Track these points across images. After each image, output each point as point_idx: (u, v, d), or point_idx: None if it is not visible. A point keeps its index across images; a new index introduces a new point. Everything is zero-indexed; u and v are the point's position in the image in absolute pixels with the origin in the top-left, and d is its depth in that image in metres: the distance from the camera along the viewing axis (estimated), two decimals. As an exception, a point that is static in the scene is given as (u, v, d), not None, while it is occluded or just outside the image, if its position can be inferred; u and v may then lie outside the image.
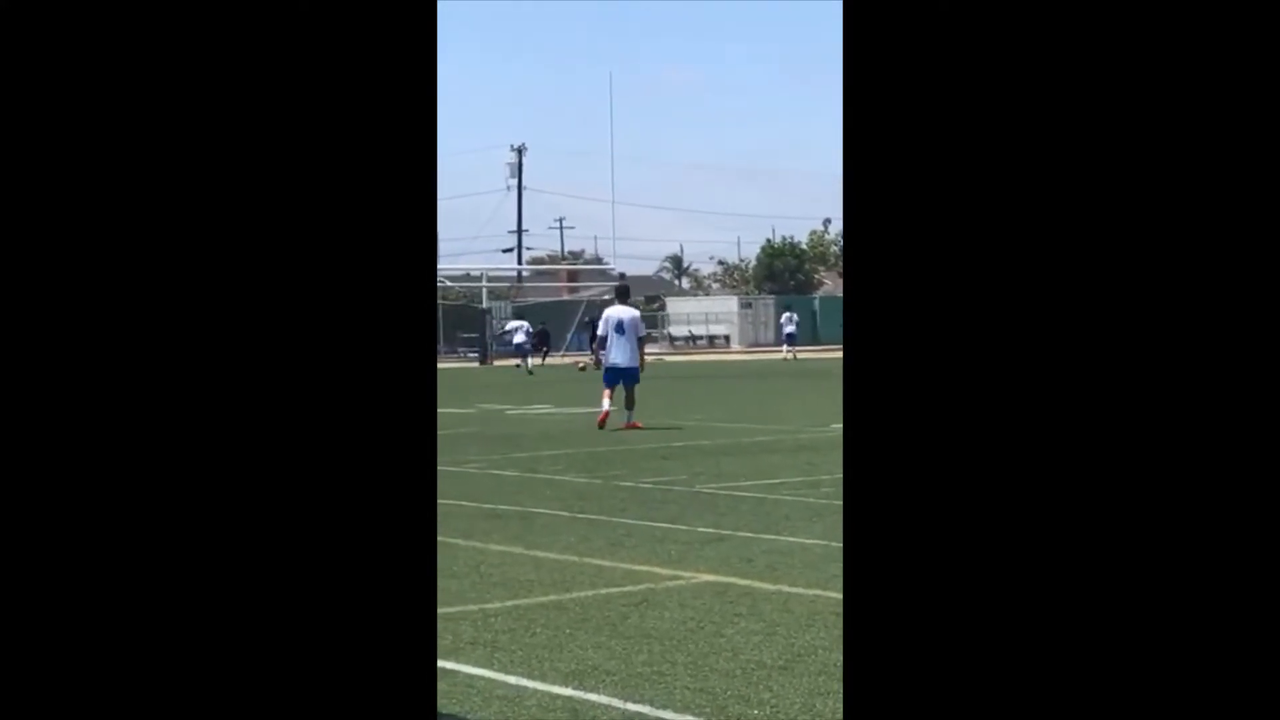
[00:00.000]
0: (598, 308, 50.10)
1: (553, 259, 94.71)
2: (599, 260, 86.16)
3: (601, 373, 19.37)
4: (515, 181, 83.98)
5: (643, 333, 19.02)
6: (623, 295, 19.99)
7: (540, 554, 8.64)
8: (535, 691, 5.45)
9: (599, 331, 19.52)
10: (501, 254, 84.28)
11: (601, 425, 18.17)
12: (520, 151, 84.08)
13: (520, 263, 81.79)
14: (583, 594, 7.36)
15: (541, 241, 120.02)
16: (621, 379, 18.65)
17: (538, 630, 6.50)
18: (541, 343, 45.70)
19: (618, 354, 18.64)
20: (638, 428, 18.10)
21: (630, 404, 18.50)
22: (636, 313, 19.33)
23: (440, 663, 5.89)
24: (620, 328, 18.69)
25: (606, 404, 18.52)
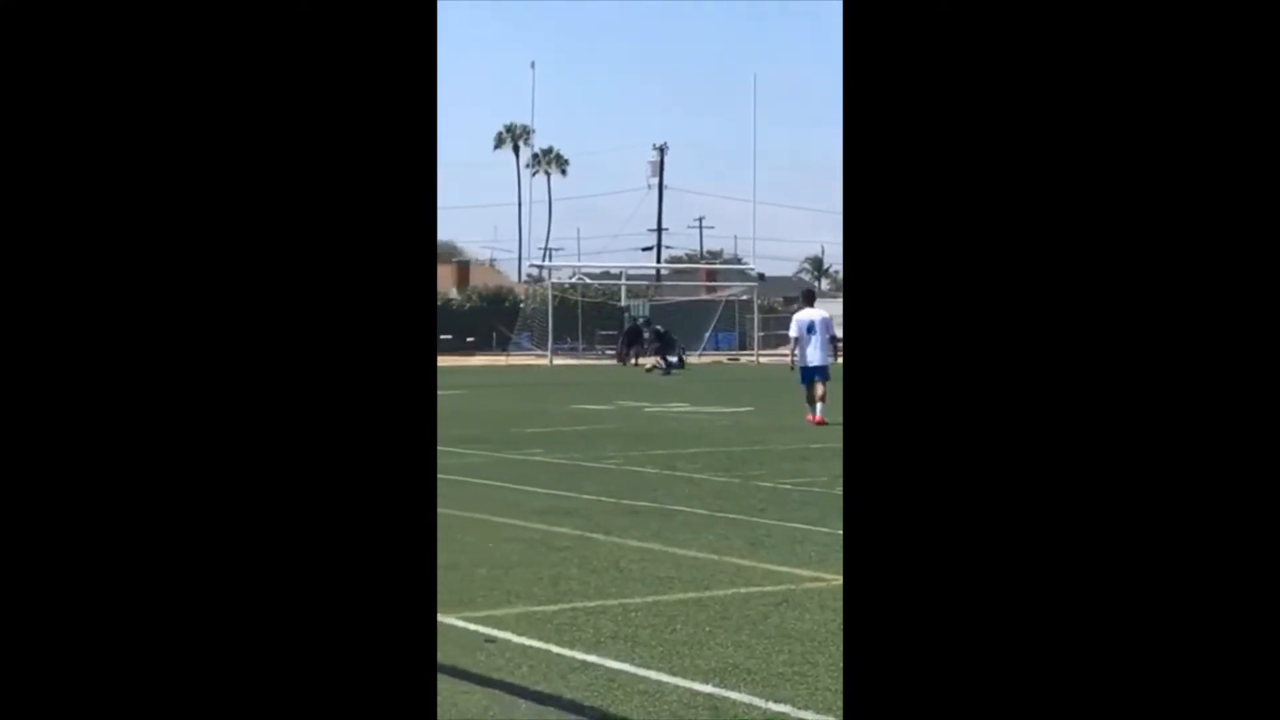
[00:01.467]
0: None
1: (691, 258, 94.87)
2: (738, 260, 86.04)
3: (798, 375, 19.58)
4: (656, 180, 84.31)
5: (832, 332, 19.26)
6: (809, 299, 20.62)
7: (679, 551, 8.64)
8: (676, 688, 5.45)
9: (792, 333, 19.87)
10: (641, 252, 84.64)
11: (819, 423, 18.42)
12: (662, 150, 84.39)
13: (659, 261, 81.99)
14: (722, 592, 7.34)
15: (681, 240, 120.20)
16: (816, 376, 19.02)
17: (678, 627, 6.49)
18: (664, 346, 43.46)
19: (812, 354, 19.07)
20: (823, 423, 18.27)
21: (822, 398, 18.82)
22: (827, 314, 19.69)
23: (581, 655, 5.92)
24: (811, 329, 19.13)
25: (813, 408, 18.83)
